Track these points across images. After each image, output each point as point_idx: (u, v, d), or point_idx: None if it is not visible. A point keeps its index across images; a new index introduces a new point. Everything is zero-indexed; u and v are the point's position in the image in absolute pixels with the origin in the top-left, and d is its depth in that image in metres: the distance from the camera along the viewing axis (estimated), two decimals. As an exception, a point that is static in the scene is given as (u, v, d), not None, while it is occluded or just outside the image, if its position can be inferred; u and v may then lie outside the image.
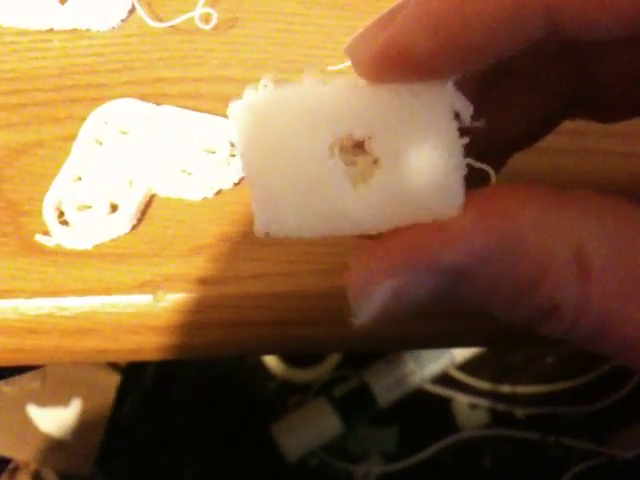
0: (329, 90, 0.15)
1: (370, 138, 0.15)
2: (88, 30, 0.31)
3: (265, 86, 0.15)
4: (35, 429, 0.64)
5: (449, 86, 0.15)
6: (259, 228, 0.15)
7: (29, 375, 0.65)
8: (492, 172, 0.16)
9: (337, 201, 0.15)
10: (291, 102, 0.15)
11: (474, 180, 0.15)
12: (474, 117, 0.15)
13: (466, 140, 0.15)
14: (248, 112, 0.15)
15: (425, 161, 0.15)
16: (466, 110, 0.15)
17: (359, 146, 0.15)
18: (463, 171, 0.15)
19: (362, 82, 0.15)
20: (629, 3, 0.13)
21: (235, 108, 0.15)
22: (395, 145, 0.15)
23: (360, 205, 0.15)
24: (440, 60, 0.14)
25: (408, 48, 0.14)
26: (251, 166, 0.15)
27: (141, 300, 0.23)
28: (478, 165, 0.15)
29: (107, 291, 0.23)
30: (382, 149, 0.15)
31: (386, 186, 0.15)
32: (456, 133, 0.15)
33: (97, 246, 0.24)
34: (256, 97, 0.15)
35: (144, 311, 0.23)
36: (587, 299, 0.14)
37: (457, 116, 0.15)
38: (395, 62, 0.14)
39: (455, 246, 0.14)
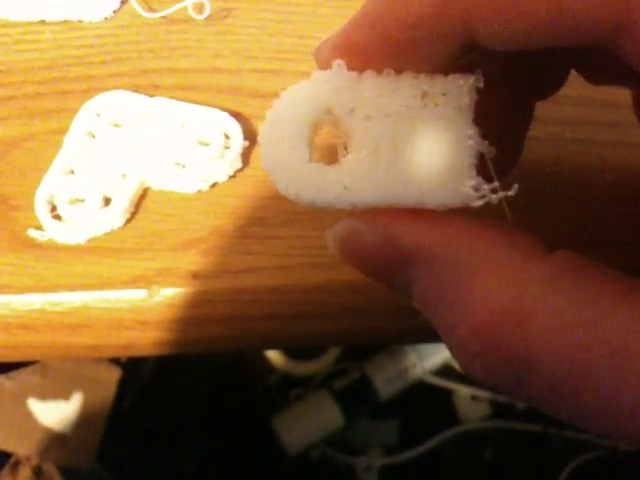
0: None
1: (350, 117, 0.16)
2: (80, 21, 0.31)
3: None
4: (36, 423, 0.64)
5: (470, 82, 0.16)
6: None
7: (29, 369, 0.65)
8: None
9: (317, 174, 0.16)
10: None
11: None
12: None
13: (476, 131, 0.16)
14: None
15: (433, 149, 0.15)
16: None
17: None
18: (471, 168, 0.15)
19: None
20: (539, 20, 0.14)
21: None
22: (395, 129, 0.16)
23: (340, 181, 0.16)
24: (378, 53, 0.16)
25: (353, 42, 0.16)
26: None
27: (135, 295, 0.23)
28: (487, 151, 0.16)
29: (100, 286, 0.23)
30: (372, 131, 0.16)
31: (369, 167, 0.16)
32: (469, 126, 0.16)
33: (90, 240, 0.24)
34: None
35: (138, 306, 0.23)
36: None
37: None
38: (345, 54, 0.16)
39: (415, 230, 0.15)
